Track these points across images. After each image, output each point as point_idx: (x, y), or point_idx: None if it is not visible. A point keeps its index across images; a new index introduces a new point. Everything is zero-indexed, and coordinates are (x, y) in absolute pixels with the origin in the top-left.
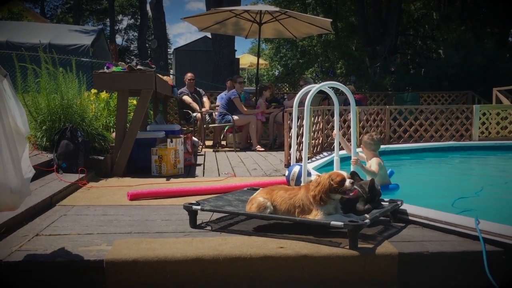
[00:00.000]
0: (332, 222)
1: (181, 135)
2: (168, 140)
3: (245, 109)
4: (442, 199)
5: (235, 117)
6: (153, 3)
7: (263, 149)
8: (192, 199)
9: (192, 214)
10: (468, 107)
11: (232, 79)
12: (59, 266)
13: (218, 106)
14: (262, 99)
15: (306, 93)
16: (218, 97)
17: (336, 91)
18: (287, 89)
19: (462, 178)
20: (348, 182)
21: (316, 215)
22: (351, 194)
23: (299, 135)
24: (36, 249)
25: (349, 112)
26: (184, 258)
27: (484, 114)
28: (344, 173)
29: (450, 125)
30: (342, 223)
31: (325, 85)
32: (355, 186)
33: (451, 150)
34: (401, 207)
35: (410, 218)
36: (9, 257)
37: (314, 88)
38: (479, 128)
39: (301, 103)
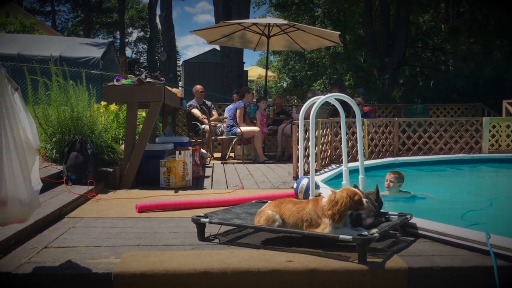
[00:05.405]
0: (341, 236)
1: (190, 147)
2: (177, 152)
3: (243, 123)
4: (452, 212)
5: (243, 129)
6: (162, 16)
7: (271, 161)
8: (201, 212)
9: (200, 227)
10: (477, 119)
11: (237, 92)
12: (67, 279)
13: (226, 118)
14: (258, 112)
15: (312, 105)
16: (226, 109)
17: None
18: (295, 101)
19: (472, 191)
20: (365, 201)
21: (324, 229)
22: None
23: (307, 147)
24: (44, 262)
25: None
26: (192, 271)
27: (494, 126)
28: (359, 191)
29: (459, 138)
30: (351, 237)
31: (330, 97)
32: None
33: (461, 163)
34: (411, 221)
35: (420, 232)
36: (18, 269)
37: (319, 99)
38: (489, 140)
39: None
